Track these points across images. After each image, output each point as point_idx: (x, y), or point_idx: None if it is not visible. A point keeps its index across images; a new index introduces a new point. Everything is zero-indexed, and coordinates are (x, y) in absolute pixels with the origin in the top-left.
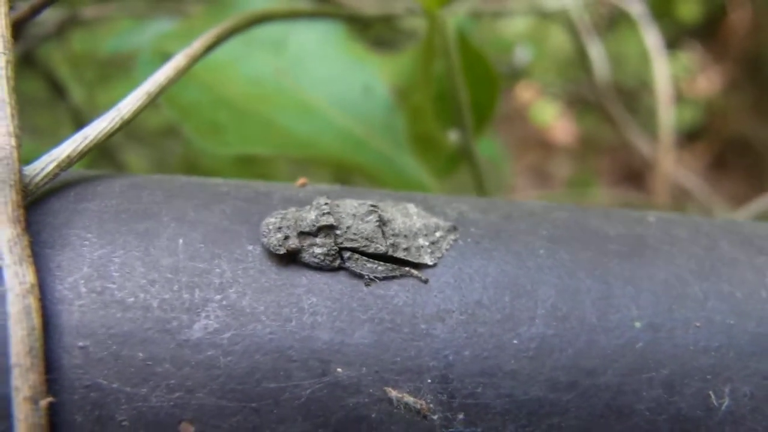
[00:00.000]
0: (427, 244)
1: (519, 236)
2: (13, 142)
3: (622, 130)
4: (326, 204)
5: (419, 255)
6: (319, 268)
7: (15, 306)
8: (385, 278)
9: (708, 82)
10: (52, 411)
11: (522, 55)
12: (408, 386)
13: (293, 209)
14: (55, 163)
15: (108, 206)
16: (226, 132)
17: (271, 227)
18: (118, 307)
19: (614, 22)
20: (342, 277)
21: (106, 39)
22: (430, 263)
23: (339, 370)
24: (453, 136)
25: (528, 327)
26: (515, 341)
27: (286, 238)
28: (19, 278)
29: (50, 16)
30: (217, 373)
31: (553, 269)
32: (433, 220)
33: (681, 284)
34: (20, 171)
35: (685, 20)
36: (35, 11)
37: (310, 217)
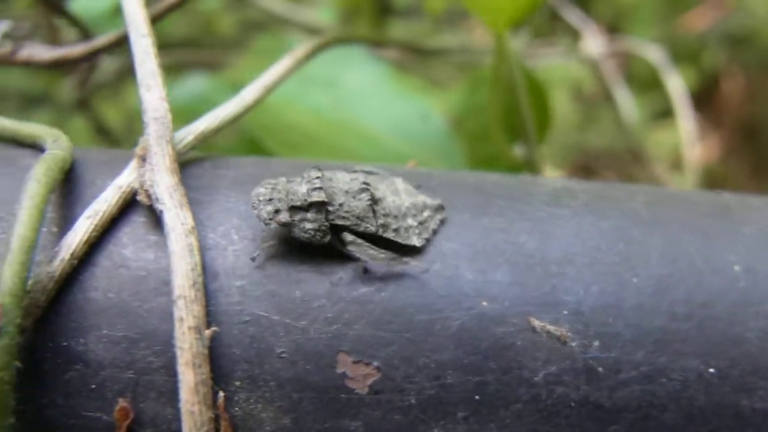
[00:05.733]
0: (415, 224)
1: (620, 200)
2: (166, 105)
3: (648, 168)
4: (317, 178)
5: (408, 236)
6: (308, 242)
7: (178, 244)
8: (381, 268)
9: (706, 149)
10: (212, 344)
11: None
12: (547, 317)
13: (283, 179)
14: (192, 136)
15: (244, 173)
16: (299, 149)
17: (261, 198)
18: None
19: (608, 98)
20: (476, 225)
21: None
22: (418, 245)
23: (484, 303)
24: (518, 151)
25: (644, 268)
26: (635, 279)
27: (277, 211)
28: (181, 219)
29: (109, 65)
30: (371, 307)
31: (656, 224)
32: (420, 198)
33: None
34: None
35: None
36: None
37: (302, 190)
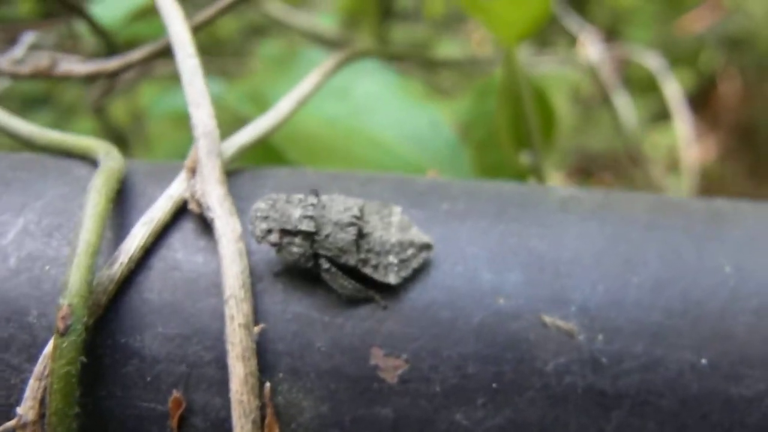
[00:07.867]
0: (396, 261)
1: (621, 207)
2: (214, 122)
3: (645, 171)
4: (312, 205)
5: (385, 273)
6: (293, 264)
7: (228, 248)
8: (349, 298)
9: (703, 151)
10: (259, 339)
11: None
12: (557, 313)
13: (283, 197)
14: (234, 148)
15: (282, 183)
16: (317, 158)
17: (259, 214)
18: None
19: (606, 101)
20: (493, 230)
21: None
22: (393, 283)
23: (501, 301)
24: (525, 158)
25: (644, 269)
26: (635, 279)
27: (270, 231)
28: (231, 226)
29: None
30: (399, 306)
31: (655, 229)
32: (410, 235)
33: (756, 241)
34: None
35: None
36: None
37: (295, 215)
